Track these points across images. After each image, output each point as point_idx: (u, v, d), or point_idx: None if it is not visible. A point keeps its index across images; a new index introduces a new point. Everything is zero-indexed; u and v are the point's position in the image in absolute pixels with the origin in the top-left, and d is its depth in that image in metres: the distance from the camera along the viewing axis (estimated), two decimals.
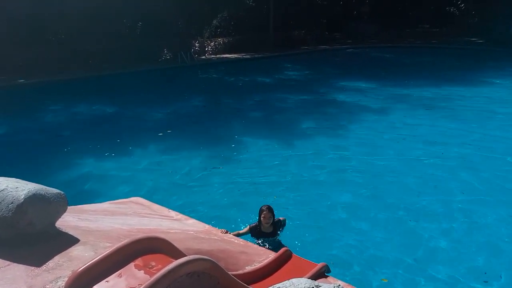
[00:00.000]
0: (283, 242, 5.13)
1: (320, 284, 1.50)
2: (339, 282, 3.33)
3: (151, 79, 20.42)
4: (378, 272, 5.62)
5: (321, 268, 3.87)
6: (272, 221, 4.71)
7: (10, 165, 8.82)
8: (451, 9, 34.43)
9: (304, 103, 16.02)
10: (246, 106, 15.55)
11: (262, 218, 4.70)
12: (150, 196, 5.53)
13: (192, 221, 4.64)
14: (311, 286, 1.43)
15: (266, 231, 4.71)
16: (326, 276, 3.85)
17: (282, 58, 26.84)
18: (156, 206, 4.90)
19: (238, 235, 4.66)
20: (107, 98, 16.38)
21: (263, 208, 4.77)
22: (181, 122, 13.27)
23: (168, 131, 11.99)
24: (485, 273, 5.54)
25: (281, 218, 5.04)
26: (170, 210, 4.86)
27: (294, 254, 4.29)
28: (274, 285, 1.51)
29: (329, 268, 3.99)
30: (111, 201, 4.99)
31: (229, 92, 18.08)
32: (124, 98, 16.47)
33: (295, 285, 1.43)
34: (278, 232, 4.88)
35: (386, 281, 5.43)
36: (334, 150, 10.33)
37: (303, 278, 1.51)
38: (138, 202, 4.92)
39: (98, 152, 10.20)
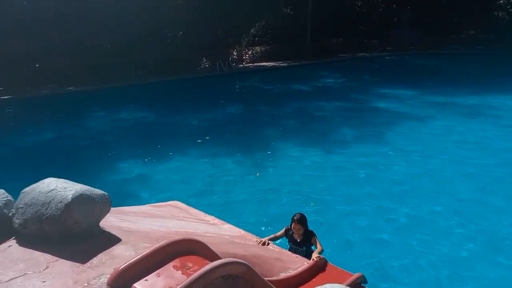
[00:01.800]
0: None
1: None
2: None
3: (190, 88, 20.93)
4: (425, 285, 5.43)
5: (357, 279, 3.79)
6: (302, 231, 4.58)
7: (59, 167, 9.33)
8: (499, 14, 32.85)
9: (342, 110, 15.82)
10: (283, 113, 15.56)
11: (292, 227, 4.62)
12: (188, 200, 5.66)
13: (228, 226, 4.70)
14: None
15: (297, 238, 4.63)
16: (362, 287, 3.76)
17: (320, 66, 26.67)
18: (194, 210, 5.01)
19: (275, 238, 4.63)
20: (148, 105, 16.97)
21: (294, 218, 4.67)
22: (219, 129, 13.49)
23: (207, 138, 12.22)
24: None
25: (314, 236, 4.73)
26: (206, 214, 4.96)
27: (329, 263, 4.23)
28: None
29: (365, 279, 3.90)
30: (151, 204, 5.16)
31: (266, 99, 18.18)
32: (164, 106, 16.99)
33: None
34: (311, 247, 4.68)
35: None
36: (373, 157, 10.11)
37: (337, 284, 1.51)
38: (176, 206, 5.05)
39: (140, 156, 10.58)
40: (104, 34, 21.89)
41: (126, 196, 7.78)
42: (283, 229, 4.72)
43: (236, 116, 15.56)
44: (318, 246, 4.47)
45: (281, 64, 26.68)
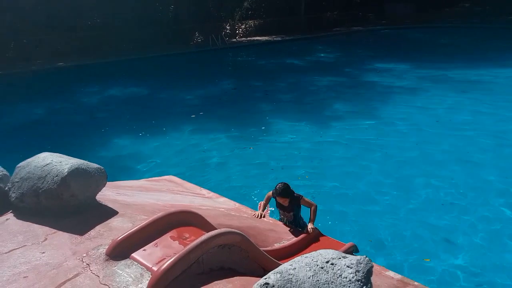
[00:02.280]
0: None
1: (347, 255, 1.54)
2: None
3: (183, 62, 20.65)
4: (418, 253, 5.60)
5: (349, 248, 3.91)
6: (288, 200, 4.46)
7: (52, 142, 9.29)
8: None
9: (336, 85, 15.76)
10: (277, 88, 15.48)
11: (277, 200, 4.51)
12: (183, 174, 5.69)
13: (223, 199, 4.77)
14: (338, 257, 1.48)
15: (284, 204, 4.51)
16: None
17: (314, 40, 26.34)
18: (189, 184, 5.07)
19: (266, 202, 4.67)
20: (141, 81, 16.76)
21: (277, 190, 4.31)
22: (212, 104, 13.43)
23: (200, 113, 12.18)
24: None
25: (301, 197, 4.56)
26: (202, 188, 5.01)
27: (322, 234, 4.34)
28: (303, 255, 1.57)
29: (357, 248, 4.01)
30: (146, 179, 5.21)
31: (260, 74, 18.04)
32: (157, 81, 16.80)
33: (323, 255, 1.48)
34: (299, 210, 4.56)
35: (428, 260, 5.42)
36: (367, 131, 10.18)
37: (330, 250, 1.56)
38: (171, 180, 5.10)
39: (134, 132, 10.56)
40: (94, 8, 21.34)
41: (121, 171, 7.81)
42: (266, 196, 4.67)
43: (229, 91, 15.46)
44: (311, 207, 4.39)
45: (274, 38, 26.31)
